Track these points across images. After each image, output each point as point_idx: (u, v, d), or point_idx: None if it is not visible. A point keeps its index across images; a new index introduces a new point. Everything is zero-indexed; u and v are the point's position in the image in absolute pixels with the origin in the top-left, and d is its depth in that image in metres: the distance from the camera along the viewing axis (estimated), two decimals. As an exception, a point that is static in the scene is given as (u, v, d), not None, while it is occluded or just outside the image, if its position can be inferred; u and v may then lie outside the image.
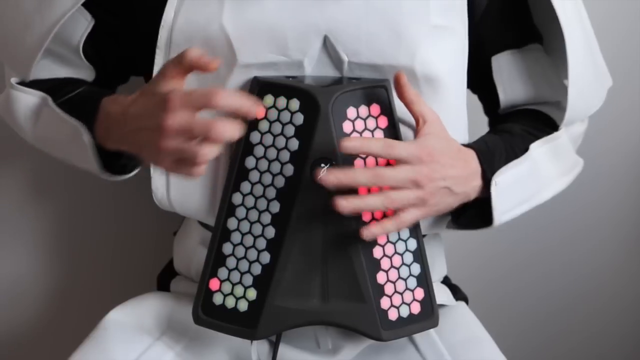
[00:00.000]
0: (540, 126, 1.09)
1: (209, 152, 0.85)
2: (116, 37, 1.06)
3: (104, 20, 1.05)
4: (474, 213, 1.01)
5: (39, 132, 1.06)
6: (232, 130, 0.84)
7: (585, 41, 1.09)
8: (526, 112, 1.12)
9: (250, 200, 0.94)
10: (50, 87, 1.05)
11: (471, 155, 0.98)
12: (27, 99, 1.04)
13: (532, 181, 1.05)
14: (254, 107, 0.87)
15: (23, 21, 1.01)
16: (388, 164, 0.93)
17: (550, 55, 1.11)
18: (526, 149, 1.04)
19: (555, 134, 1.08)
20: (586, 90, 1.09)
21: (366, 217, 0.94)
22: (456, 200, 0.97)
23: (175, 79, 0.88)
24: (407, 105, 0.94)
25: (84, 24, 1.04)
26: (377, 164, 0.94)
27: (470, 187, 0.98)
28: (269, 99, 0.94)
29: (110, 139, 0.96)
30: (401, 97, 0.94)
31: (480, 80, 1.10)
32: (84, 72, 1.09)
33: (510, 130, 1.07)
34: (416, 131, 0.95)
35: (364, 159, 0.94)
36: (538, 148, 1.05)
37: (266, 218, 0.94)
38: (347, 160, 0.93)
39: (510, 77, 1.10)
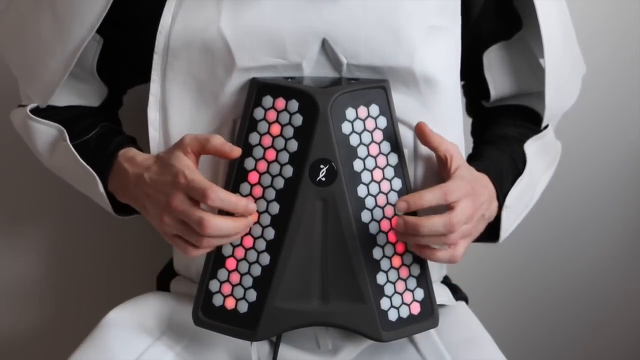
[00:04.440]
0: (527, 124, 1.12)
1: (205, 242, 0.90)
2: (124, 51, 1.07)
3: (111, 37, 1.06)
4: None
5: (55, 163, 1.09)
6: (222, 231, 0.89)
7: (559, 24, 1.10)
8: (513, 109, 1.15)
9: (249, 202, 0.94)
10: (66, 118, 1.07)
11: (486, 179, 1.01)
12: (44, 130, 1.06)
13: (529, 189, 1.09)
14: (249, 206, 0.91)
15: (44, 50, 1.02)
16: (397, 163, 0.95)
17: (529, 41, 1.12)
18: (523, 153, 1.08)
19: (545, 131, 1.12)
20: (562, 67, 1.10)
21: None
22: (484, 224, 1.01)
23: (190, 155, 0.93)
24: (434, 150, 0.96)
25: (94, 44, 1.06)
26: (383, 170, 0.95)
27: (493, 210, 1.02)
28: (268, 100, 0.94)
29: (122, 194, 1.01)
30: (427, 144, 0.96)
31: (468, 74, 1.12)
32: (98, 88, 1.11)
33: (506, 134, 1.11)
34: (445, 167, 0.96)
35: (368, 168, 0.94)
36: (531, 145, 1.09)
37: (265, 219, 0.93)
38: (347, 162, 0.93)
39: (500, 72, 1.12)
